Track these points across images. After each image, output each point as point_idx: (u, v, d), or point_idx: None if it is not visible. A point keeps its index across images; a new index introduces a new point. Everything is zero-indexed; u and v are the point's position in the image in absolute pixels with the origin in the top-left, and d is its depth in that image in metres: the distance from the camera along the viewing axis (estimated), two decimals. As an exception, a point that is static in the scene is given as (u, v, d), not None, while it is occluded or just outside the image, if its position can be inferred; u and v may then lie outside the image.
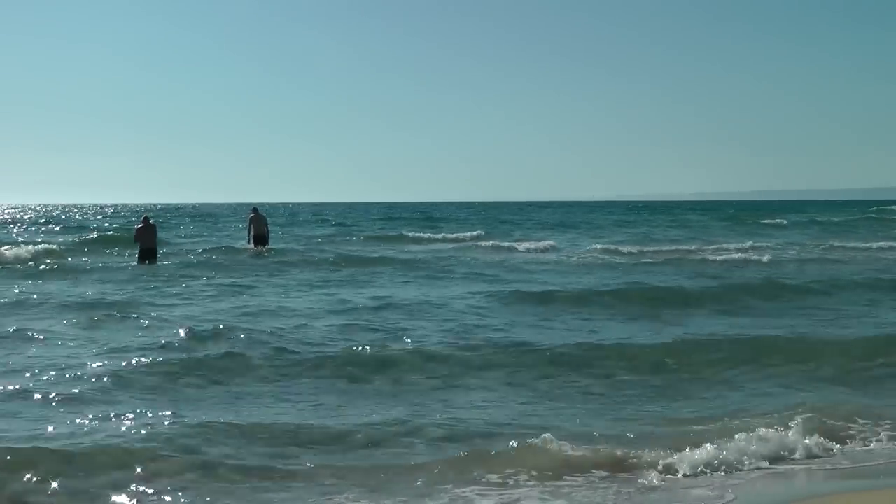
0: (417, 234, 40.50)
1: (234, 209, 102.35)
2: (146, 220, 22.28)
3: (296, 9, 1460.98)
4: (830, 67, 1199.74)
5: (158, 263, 22.27)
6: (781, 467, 6.76)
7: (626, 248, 29.96)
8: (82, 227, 48.67)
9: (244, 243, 28.21)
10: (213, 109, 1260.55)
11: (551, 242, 32.90)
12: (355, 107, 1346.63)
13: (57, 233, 44.21)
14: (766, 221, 54.58)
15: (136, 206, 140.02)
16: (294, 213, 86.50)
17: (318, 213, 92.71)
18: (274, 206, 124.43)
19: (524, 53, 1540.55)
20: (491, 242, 33.92)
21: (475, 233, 41.68)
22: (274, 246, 30.23)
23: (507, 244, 32.82)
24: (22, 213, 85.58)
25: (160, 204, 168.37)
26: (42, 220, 62.51)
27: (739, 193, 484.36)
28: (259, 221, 26.69)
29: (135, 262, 22.06)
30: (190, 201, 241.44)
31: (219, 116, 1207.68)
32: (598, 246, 30.77)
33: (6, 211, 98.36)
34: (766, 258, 25.35)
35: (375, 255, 26.73)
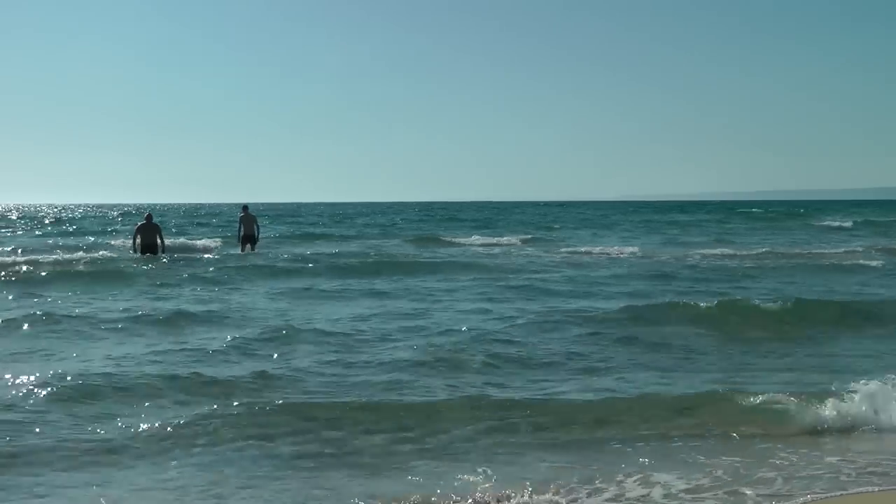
0: (479, 238, 37.56)
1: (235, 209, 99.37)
2: (149, 217, 23.58)
3: (302, 7, 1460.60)
4: (840, 68, 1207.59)
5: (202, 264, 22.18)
6: None
7: (725, 251, 27.42)
8: (102, 231, 45.61)
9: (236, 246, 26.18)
10: (217, 109, 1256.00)
11: (633, 248, 29.88)
12: (356, 107, 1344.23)
13: (69, 234, 41.29)
14: (824, 223, 51.31)
15: (145, 205, 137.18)
16: (305, 212, 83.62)
17: (332, 213, 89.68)
18: (283, 206, 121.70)
19: (532, 55, 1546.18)
20: (569, 248, 30.78)
21: (527, 236, 39.50)
22: (330, 249, 28.07)
23: (584, 248, 30.28)
24: (31, 215, 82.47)
25: (174, 203, 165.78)
26: (46, 221, 59.56)
27: (743, 193, 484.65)
28: (249, 221, 25.23)
29: (138, 254, 22.76)
30: (190, 201, 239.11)
31: (222, 116, 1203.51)
32: (700, 251, 27.85)
33: (11, 211, 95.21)
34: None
35: (480, 262, 24.17)
